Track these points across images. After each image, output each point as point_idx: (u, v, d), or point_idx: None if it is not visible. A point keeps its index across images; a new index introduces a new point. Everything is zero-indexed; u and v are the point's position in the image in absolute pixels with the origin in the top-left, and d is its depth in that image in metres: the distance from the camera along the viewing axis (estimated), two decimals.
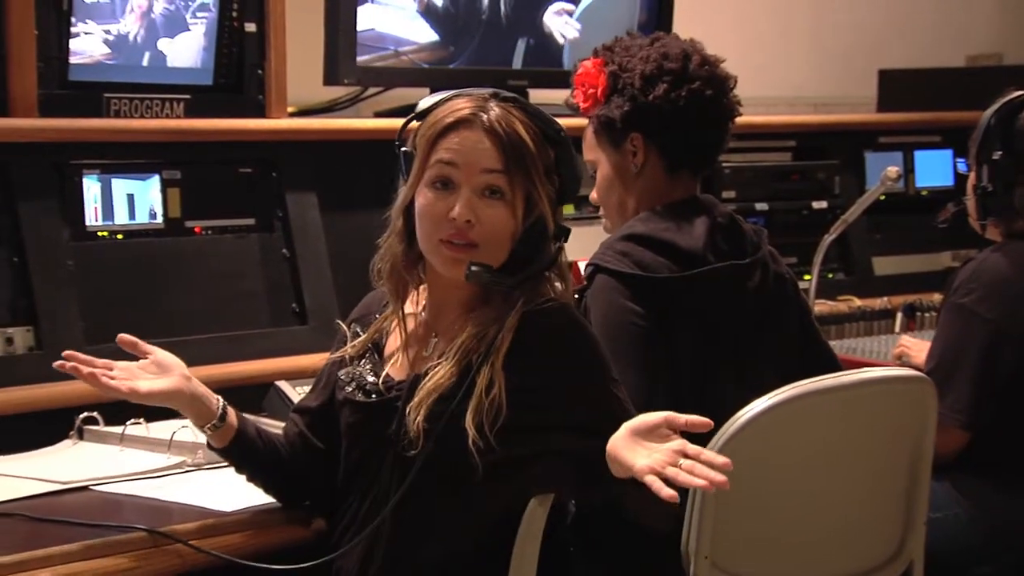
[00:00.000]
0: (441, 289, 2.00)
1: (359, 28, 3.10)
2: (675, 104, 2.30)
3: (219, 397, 2.07)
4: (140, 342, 2.05)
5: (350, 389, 2.05)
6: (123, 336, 2.05)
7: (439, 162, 1.93)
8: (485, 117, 1.93)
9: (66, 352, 2.03)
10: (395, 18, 3.19)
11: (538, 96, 3.51)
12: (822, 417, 2.07)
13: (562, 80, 3.46)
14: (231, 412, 2.08)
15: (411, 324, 2.03)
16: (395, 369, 2.03)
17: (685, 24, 3.51)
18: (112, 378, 1.98)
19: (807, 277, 3.51)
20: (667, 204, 2.32)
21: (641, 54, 2.34)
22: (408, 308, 2.04)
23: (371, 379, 2.03)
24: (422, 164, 1.95)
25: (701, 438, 2.07)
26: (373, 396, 2.02)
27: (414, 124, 2.02)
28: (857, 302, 3.69)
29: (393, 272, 2.02)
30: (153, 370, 2.04)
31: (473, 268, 1.92)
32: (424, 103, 1.99)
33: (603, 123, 2.36)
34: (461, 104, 1.95)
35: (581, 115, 2.42)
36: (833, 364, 2.39)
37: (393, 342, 2.06)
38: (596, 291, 2.24)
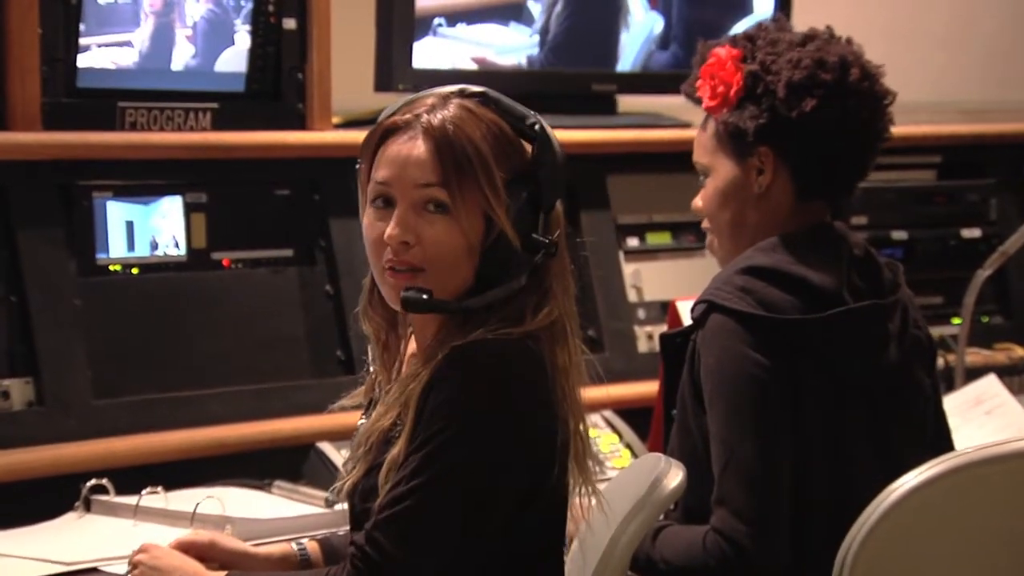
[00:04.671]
0: (417, 327, 2.00)
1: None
2: (823, 125, 2.27)
3: (298, 544, 2.07)
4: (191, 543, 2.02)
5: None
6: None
7: (374, 179, 1.95)
8: (426, 119, 1.92)
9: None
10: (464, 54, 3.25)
11: (630, 103, 3.53)
12: (991, 493, 2.03)
13: (663, 84, 3.50)
14: (311, 552, 2.08)
15: (406, 368, 2.02)
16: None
17: (802, 12, 3.51)
18: None
19: (956, 321, 3.47)
20: (794, 232, 2.31)
21: (790, 55, 2.30)
22: (411, 347, 2.04)
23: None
24: (365, 179, 1.97)
25: (842, 519, 2.05)
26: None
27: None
28: (1019, 351, 3.65)
29: (366, 313, 2.03)
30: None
31: (405, 294, 1.91)
32: (387, 110, 1.99)
33: (730, 131, 2.33)
34: (413, 107, 1.96)
35: (704, 110, 2.38)
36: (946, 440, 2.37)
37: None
38: (711, 335, 2.22)
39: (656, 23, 3.47)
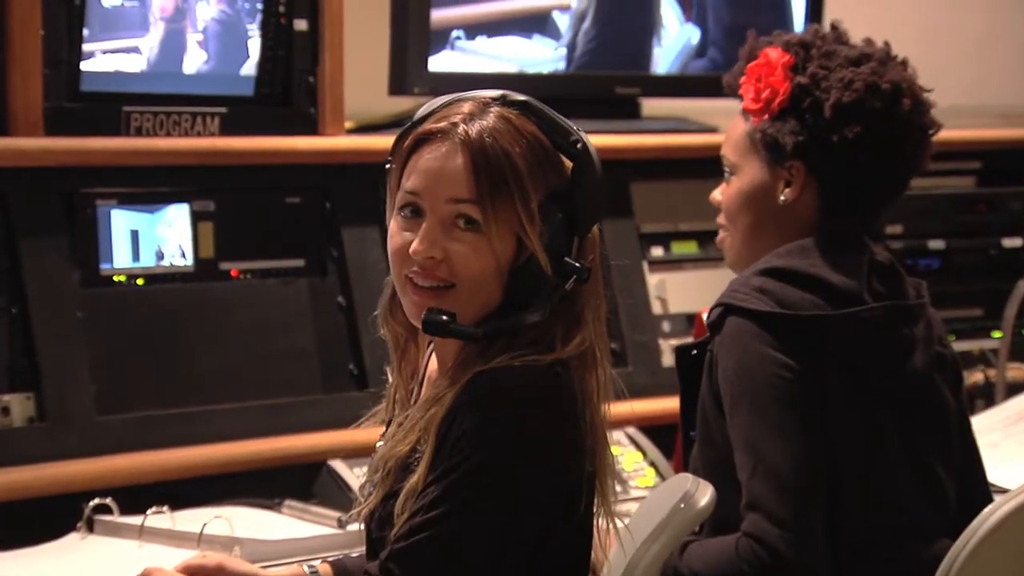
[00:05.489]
0: (437, 342, 1.99)
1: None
2: (863, 152, 2.27)
3: (309, 567, 2.06)
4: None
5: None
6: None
7: (404, 188, 1.93)
8: (463, 129, 1.90)
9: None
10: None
11: (654, 107, 3.54)
12: None
13: (689, 86, 3.50)
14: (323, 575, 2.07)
15: (426, 390, 2.01)
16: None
17: (834, 14, 3.49)
18: None
19: (996, 334, 3.46)
20: (813, 237, 2.31)
21: (843, 73, 2.28)
22: (433, 365, 2.04)
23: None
24: (395, 186, 1.95)
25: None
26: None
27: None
28: None
29: (386, 319, 2.02)
30: None
31: (427, 317, 1.90)
32: (422, 110, 1.97)
33: (767, 140, 2.33)
34: (450, 112, 1.93)
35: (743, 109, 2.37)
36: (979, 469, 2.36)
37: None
38: (728, 338, 2.22)
39: (692, 35, 3.46)
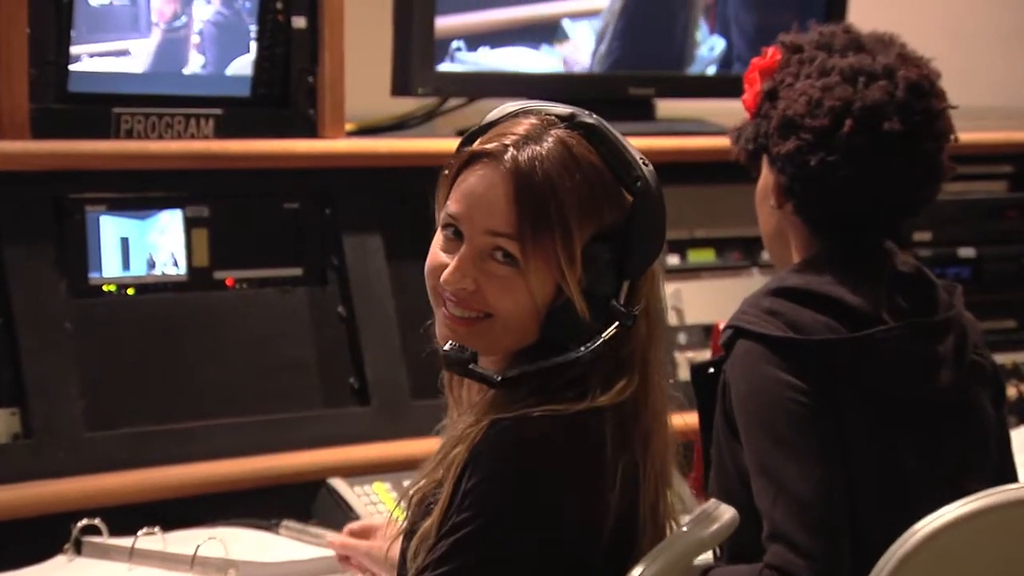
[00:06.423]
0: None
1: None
2: (808, 171, 2.25)
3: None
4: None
5: None
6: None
7: (447, 208, 1.90)
8: (511, 155, 1.84)
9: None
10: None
11: (676, 108, 3.52)
12: None
13: (705, 87, 3.49)
14: None
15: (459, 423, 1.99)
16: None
17: (858, 12, 3.48)
18: None
19: None
20: (829, 249, 2.30)
21: (803, 85, 2.27)
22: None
23: None
24: (443, 198, 1.92)
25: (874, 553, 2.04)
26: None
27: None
28: None
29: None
30: None
31: (447, 351, 1.87)
32: (490, 115, 1.93)
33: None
34: (507, 130, 1.88)
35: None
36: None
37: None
38: (738, 362, 2.22)
39: (716, 44, 3.45)
